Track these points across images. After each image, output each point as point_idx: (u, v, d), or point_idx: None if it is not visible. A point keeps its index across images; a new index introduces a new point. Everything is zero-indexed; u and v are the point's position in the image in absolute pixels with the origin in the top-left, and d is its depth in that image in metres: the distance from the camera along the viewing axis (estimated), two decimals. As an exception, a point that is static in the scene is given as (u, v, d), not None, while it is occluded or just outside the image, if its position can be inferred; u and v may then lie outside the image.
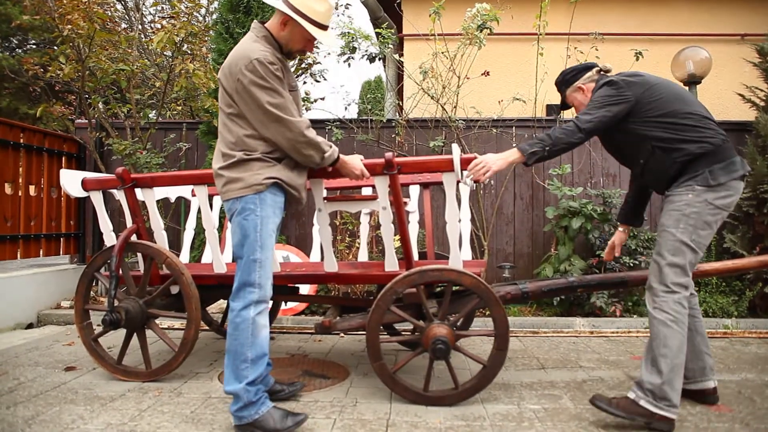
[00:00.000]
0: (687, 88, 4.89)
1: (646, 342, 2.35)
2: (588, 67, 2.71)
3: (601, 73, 2.67)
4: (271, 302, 2.60)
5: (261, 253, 2.26)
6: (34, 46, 14.60)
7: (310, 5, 2.27)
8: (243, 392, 2.19)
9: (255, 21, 2.39)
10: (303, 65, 7.81)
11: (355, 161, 2.49)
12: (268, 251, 2.29)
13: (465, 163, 2.51)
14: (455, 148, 2.54)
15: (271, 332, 4.12)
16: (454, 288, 3.01)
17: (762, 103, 4.87)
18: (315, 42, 2.42)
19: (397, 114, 5.75)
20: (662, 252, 2.33)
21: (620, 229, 2.88)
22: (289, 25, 2.31)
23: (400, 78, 6.20)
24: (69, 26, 4.63)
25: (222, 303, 4.35)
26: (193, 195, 3.77)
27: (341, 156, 2.44)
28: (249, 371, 2.21)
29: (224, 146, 2.33)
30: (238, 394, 2.20)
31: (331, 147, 2.39)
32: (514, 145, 5.22)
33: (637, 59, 5.06)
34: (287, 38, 2.34)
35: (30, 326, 4.50)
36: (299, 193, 2.43)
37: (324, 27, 2.34)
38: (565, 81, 2.79)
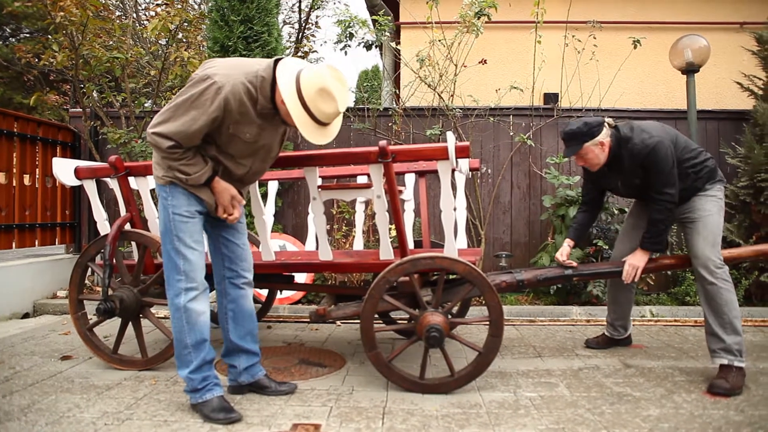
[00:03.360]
0: (685, 76, 4.86)
1: (710, 311, 2.68)
2: (602, 121, 2.82)
3: (611, 127, 2.85)
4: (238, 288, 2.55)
5: (177, 241, 2.25)
6: (27, 35, 14.46)
7: (317, 103, 2.12)
8: (187, 380, 2.31)
9: (279, 62, 2.17)
10: (299, 54, 7.76)
11: (228, 190, 2.26)
12: (186, 239, 2.26)
13: (460, 151, 2.49)
14: (450, 136, 2.52)
15: (267, 321, 4.16)
16: (450, 276, 3.01)
17: (760, 92, 4.85)
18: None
19: (394, 102, 5.72)
20: (714, 231, 2.73)
21: (570, 244, 3.13)
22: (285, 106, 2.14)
23: (397, 66, 6.16)
24: (61, 13, 4.58)
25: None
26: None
27: (216, 179, 2.23)
28: (192, 356, 2.29)
29: None
30: (185, 380, 2.32)
31: (194, 171, 2.16)
32: (510, 133, 5.20)
33: (635, 47, 5.04)
34: (281, 110, 2.18)
35: (26, 316, 4.50)
36: (201, 195, 2.26)
37: (324, 124, 2.22)
38: (589, 132, 2.78)
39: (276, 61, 2.18)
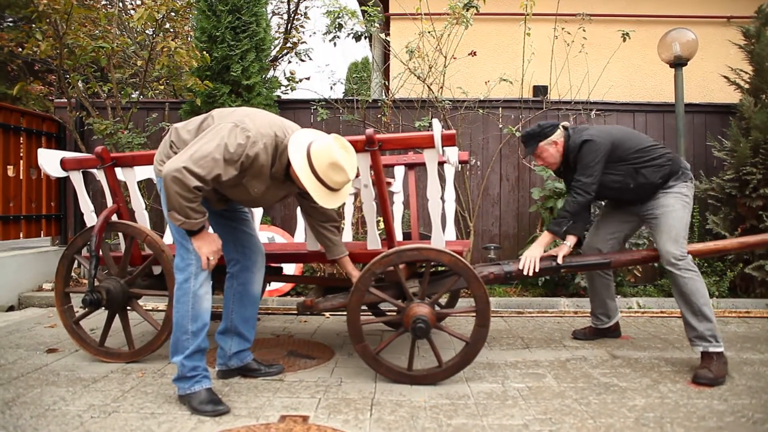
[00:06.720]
0: (673, 70, 4.88)
1: (681, 301, 2.74)
2: (556, 124, 3.05)
3: (564, 129, 3.03)
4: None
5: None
6: (11, 24, 14.19)
7: (330, 175, 2.23)
8: (180, 366, 2.30)
9: (295, 133, 2.28)
10: (288, 44, 7.69)
11: (212, 242, 2.28)
12: None
13: (446, 140, 2.49)
14: (436, 124, 2.52)
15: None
16: (438, 268, 3.02)
17: (747, 86, 4.89)
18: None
19: (384, 94, 5.70)
20: (677, 226, 2.79)
21: (569, 244, 3.00)
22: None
23: (386, 58, 6.14)
24: (45, 1, 4.48)
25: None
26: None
27: (203, 230, 2.24)
28: (189, 342, 2.29)
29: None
30: (177, 366, 2.31)
31: (196, 217, 2.16)
32: (500, 126, 5.20)
33: (624, 40, 5.06)
34: (296, 181, 2.26)
35: (11, 309, 4.44)
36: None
37: (334, 190, 2.30)
38: (543, 133, 3.00)
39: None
